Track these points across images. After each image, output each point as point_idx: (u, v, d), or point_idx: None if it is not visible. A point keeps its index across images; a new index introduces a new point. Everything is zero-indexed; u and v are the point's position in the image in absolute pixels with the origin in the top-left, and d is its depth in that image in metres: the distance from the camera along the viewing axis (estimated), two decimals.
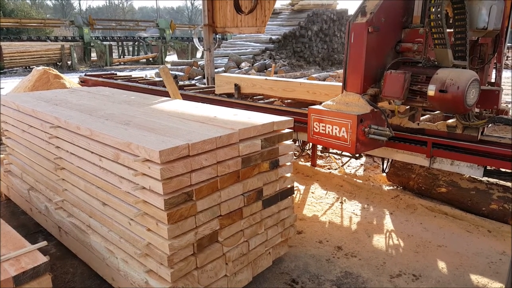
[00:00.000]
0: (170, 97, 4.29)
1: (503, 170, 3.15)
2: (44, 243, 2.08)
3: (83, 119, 2.59)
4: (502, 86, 3.56)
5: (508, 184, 3.50)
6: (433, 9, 2.92)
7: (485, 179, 3.56)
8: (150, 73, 16.97)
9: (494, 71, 3.75)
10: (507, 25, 3.48)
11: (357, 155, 4.34)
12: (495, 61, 3.64)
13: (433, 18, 2.93)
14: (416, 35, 3.24)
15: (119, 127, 2.34)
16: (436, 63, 3.10)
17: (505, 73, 16.81)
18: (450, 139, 3.25)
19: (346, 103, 3.17)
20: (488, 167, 3.22)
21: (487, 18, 3.22)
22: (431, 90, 2.87)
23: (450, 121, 3.36)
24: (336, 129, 3.18)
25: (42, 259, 1.92)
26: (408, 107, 3.50)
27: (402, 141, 3.53)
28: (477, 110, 3.42)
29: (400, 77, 3.01)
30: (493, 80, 3.69)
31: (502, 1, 3.36)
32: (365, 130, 3.08)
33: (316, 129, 3.35)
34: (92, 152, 2.37)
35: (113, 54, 24.26)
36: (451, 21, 3.25)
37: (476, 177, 3.54)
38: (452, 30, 3.22)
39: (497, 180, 3.53)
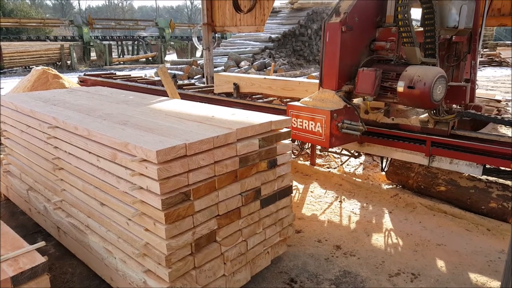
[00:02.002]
0: (168, 96, 4.29)
1: (502, 168, 3.15)
2: (42, 244, 2.08)
3: (81, 119, 2.59)
4: (476, 82, 3.76)
5: (507, 182, 3.49)
6: (400, 9, 3.05)
7: (484, 177, 3.55)
8: (149, 73, 16.96)
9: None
10: (481, 24, 3.64)
11: (356, 153, 4.35)
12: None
13: (401, 17, 3.06)
14: (389, 34, 3.36)
15: (117, 127, 2.34)
16: (406, 60, 3.22)
17: (505, 71, 16.80)
18: (423, 134, 3.40)
19: (322, 100, 3.32)
20: (487, 166, 3.22)
21: (457, 17, 3.37)
22: (400, 87, 3.00)
23: (422, 116, 3.46)
24: (312, 124, 3.33)
25: (40, 259, 1.92)
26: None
27: (400, 139, 3.54)
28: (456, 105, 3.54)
29: (371, 74, 3.13)
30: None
31: (473, 1, 3.52)
32: (338, 125, 3.24)
33: (294, 124, 3.49)
34: (90, 152, 2.37)
35: (113, 54, 24.27)
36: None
37: (475, 176, 3.54)
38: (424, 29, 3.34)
39: (496, 179, 3.52)
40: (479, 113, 3.35)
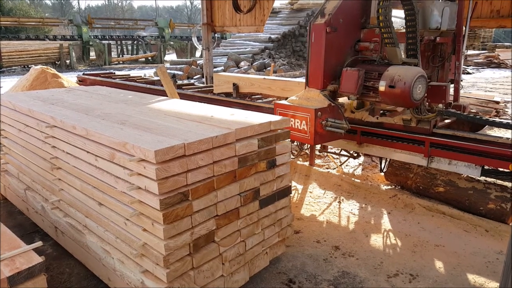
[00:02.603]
0: (167, 96, 4.28)
1: (501, 169, 3.15)
2: (39, 243, 2.07)
3: (79, 118, 2.58)
4: (461, 82, 3.87)
5: (506, 183, 3.49)
6: (381, 11, 3.12)
7: (482, 178, 3.55)
8: (149, 72, 16.95)
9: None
10: (465, 26, 3.76)
11: (355, 154, 4.35)
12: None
13: (382, 19, 3.14)
14: (373, 35, 3.45)
15: (115, 127, 2.33)
16: (388, 61, 3.33)
17: (504, 73, 16.82)
18: (405, 132, 3.49)
19: (307, 98, 3.40)
20: (486, 167, 3.22)
21: (440, 19, 3.47)
22: (381, 86, 3.09)
23: (405, 115, 3.54)
24: (297, 122, 3.40)
25: (37, 259, 1.91)
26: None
27: (399, 140, 3.54)
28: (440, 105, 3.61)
29: (354, 74, 3.23)
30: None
31: (455, 3, 3.66)
32: (322, 123, 3.31)
33: None
34: (88, 152, 2.36)
35: (112, 53, 24.22)
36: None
37: (474, 177, 3.54)
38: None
39: (495, 180, 3.52)
40: (458, 112, 3.43)
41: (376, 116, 3.69)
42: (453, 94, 3.94)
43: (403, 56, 3.36)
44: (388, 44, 3.22)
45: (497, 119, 3.43)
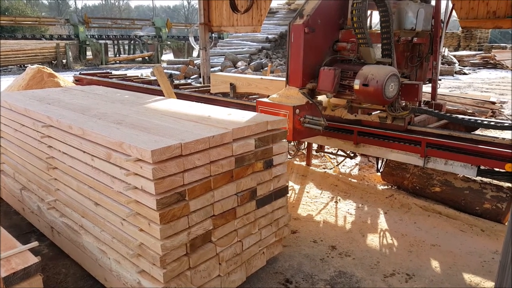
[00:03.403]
0: (164, 96, 4.28)
1: (496, 169, 3.16)
2: (35, 244, 2.06)
3: (76, 118, 2.57)
4: (438, 81, 4.07)
5: (502, 183, 3.51)
6: (355, 12, 3.21)
7: (478, 178, 3.57)
8: (145, 72, 16.91)
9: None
10: (442, 27, 3.89)
11: (352, 154, 4.36)
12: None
13: (355, 20, 3.23)
14: (350, 36, 3.54)
15: (112, 127, 2.32)
16: (363, 60, 3.44)
17: (500, 73, 16.90)
18: (381, 129, 3.61)
19: (287, 96, 3.49)
20: (482, 167, 3.23)
21: (414, 20, 3.64)
22: (356, 84, 3.20)
23: (381, 113, 3.67)
24: None
25: (33, 259, 1.91)
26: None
27: (396, 140, 3.55)
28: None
29: (331, 73, 3.35)
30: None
31: (430, 5, 3.82)
32: (301, 119, 3.39)
33: None
34: (84, 152, 2.35)
35: (109, 53, 24.13)
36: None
37: (470, 177, 3.56)
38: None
39: (491, 180, 3.54)
40: (430, 109, 3.52)
41: (354, 114, 3.80)
42: (431, 92, 4.07)
43: (380, 55, 3.47)
44: (362, 44, 3.33)
45: (466, 117, 3.54)
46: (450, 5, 3.85)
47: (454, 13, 5.41)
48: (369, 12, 4.03)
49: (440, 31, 3.90)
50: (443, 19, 3.99)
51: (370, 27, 4.20)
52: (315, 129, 3.43)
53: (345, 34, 3.58)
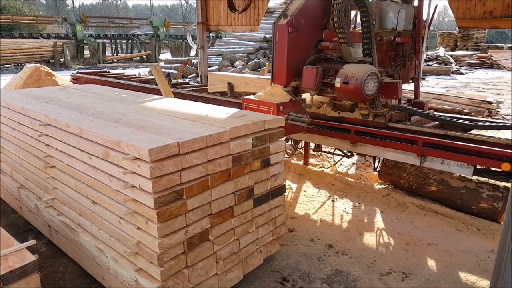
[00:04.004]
0: (162, 95, 4.28)
1: (493, 169, 3.18)
2: (32, 242, 2.06)
3: (73, 117, 2.57)
4: (420, 80, 4.16)
5: (498, 183, 3.53)
6: (335, 12, 3.30)
7: (475, 178, 3.59)
8: (143, 71, 16.88)
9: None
10: (424, 27, 3.97)
11: (349, 153, 4.37)
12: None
13: (336, 20, 3.32)
14: (333, 35, 3.62)
15: (109, 125, 2.33)
16: (345, 59, 3.54)
17: (497, 73, 16.96)
18: (365, 127, 3.71)
19: (272, 94, 3.62)
20: (478, 166, 3.25)
21: (395, 20, 3.73)
22: (337, 82, 3.31)
23: (363, 110, 3.79)
24: None
25: (31, 258, 1.90)
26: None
27: (392, 140, 3.56)
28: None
29: (313, 71, 3.45)
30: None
31: (411, 6, 3.94)
32: (284, 116, 3.45)
33: None
34: (82, 150, 2.36)
35: (106, 52, 24.08)
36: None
37: (466, 176, 3.57)
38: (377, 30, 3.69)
39: (487, 179, 3.56)
40: (409, 107, 3.64)
41: (338, 111, 3.92)
42: (414, 90, 4.16)
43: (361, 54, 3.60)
44: (343, 43, 3.42)
45: (444, 115, 3.67)
46: (433, 5, 3.95)
47: (450, 13, 5.46)
48: (353, 12, 4.16)
49: (423, 31, 4.00)
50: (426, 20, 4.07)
51: (355, 27, 4.30)
52: (299, 126, 3.50)
53: (328, 34, 3.69)
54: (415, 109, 3.67)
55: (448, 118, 3.53)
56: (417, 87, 4.12)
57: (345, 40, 3.38)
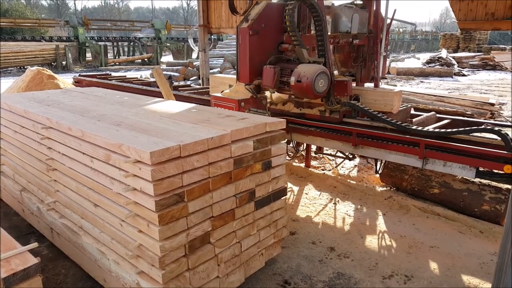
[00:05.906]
0: (163, 98, 4.29)
1: (495, 171, 3.17)
2: (35, 245, 2.07)
3: (75, 120, 2.58)
4: (380, 80, 4.60)
5: (500, 185, 3.52)
6: (288, 17, 3.56)
7: (477, 180, 3.58)
8: (145, 74, 16.91)
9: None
10: (382, 30, 4.41)
11: (351, 155, 4.37)
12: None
13: (288, 24, 3.58)
14: None
15: (111, 128, 2.33)
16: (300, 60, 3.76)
17: (499, 75, 16.93)
18: (323, 122, 3.97)
19: (236, 91, 3.88)
20: (481, 168, 3.24)
21: (349, 24, 4.22)
22: (292, 81, 3.55)
23: (321, 107, 4.06)
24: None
25: (33, 260, 1.91)
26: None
27: (394, 142, 3.55)
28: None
29: (271, 70, 3.70)
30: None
31: (365, 10, 4.36)
32: (245, 112, 3.67)
33: None
34: (84, 153, 2.36)
35: (108, 55, 24.15)
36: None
37: (469, 178, 3.57)
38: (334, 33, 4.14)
39: (489, 181, 3.55)
40: (357, 104, 3.86)
41: (299, 108, 4.20)
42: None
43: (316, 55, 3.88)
44: (296, 45, 3.66)
45: (384, 116, 3.66)
46: (391, 11, 4.17)
47: (452, 14, 5.51)
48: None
49: (381, 34, 4.42)
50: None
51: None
52: None
53: (288, 37, 3.85)
54: (363, 106, 3.83)
55: (394, 120, 3.57)
56: (376, 86, 4.61)
57: (297, 42, 3.62)
